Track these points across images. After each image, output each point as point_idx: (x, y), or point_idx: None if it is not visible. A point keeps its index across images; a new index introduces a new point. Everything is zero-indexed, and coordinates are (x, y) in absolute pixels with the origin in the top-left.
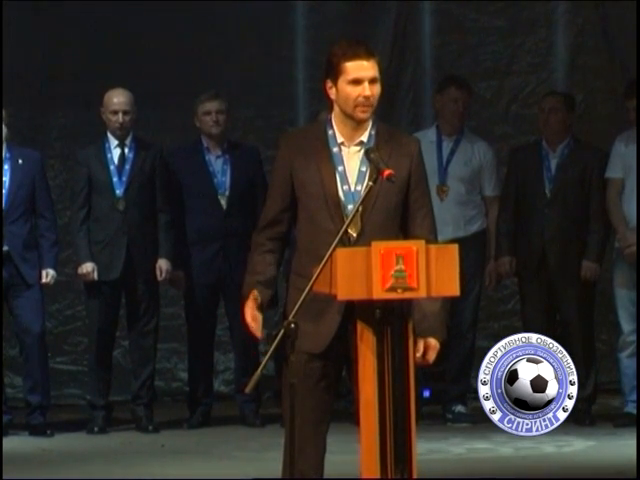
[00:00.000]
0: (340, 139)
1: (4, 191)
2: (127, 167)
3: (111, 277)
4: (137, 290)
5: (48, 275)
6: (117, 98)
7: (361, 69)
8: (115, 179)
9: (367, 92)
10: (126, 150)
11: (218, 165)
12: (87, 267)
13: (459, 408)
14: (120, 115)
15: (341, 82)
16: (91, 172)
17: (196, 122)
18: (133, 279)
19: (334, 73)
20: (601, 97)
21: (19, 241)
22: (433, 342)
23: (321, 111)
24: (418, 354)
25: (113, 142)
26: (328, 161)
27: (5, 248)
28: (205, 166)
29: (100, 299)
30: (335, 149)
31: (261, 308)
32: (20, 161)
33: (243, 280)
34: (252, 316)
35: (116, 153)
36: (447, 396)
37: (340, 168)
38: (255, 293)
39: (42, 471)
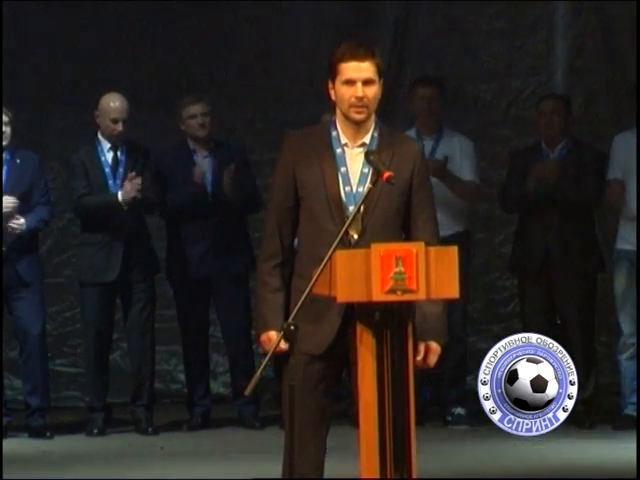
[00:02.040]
0: (344, 140)
1: (3, 190)
2: (121, 170)
3: (107, 279)
4: (133, 290)
5: (19, 220)
6: (115, 103)
7: (355, 70)
8: (110, 182)
9: (359, 93)
10: (119, 153)
11: (205, 166)
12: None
13: (459, 410)
14: (120, 124)
15: (337, 83)
16: (87, 174)
17: (181, 125)
18: (129, 280)
19: (333, 74)
20: (601, 99)
21: (17, 240)
22: (434, 345)
23: (324, 113)
24: (419, 357)
25: (106, 145)
26: (331, 162)
27: (3, 248)
28: (195, 167)
29: (96, 301)
30: (339, 150)
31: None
32: (18, 161)
33: (235, 278)
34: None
35: (109, 156)
36: (446, 398)
37: (343, 169)
38: (275, 334)
39: (42, 473)
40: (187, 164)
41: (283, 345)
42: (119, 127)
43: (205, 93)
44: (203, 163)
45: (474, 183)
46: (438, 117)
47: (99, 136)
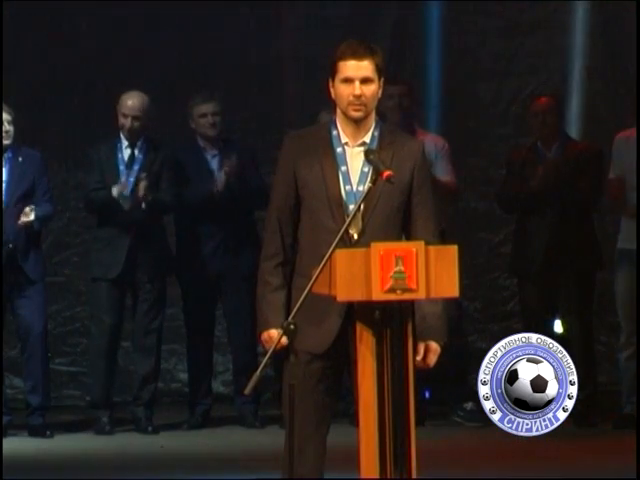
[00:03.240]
0: (344, 139)
1: (4, 187)
2: (136, 168)
3: (110, 275)
4: (140, 289)
5: (32, 210)
6: (131, 101)
7: (353, 68)
8: (123, 179)
9: (357, 91)
10: (136, 151)
11: (214, 164)
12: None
13: (470, 406)
14: (129, 120)
15: (336, 81)
16: (103, 170)
17: (191, 123)
18: (137, 279)
19: (333, 72)
20: (601, 98)
21: (21, 238)
22: (434, 345)
23: (321, 112)
24: (418, 357)
25: (124, 142)
26: (331, 160)
27: (10, 245)
28: (206, 165)
29: (103, 296)
30: (339, 149)
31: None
32: (20, 159)
33: (238, 274)
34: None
35: (127, 153)
36: (456, 395)
37: (343, 168)
38: (276, 333)
39: (42, 472)
40: (198, 162)
41: (284, 341)
42: (127, 123)
43: (204, 92)
44: (213, 162)
45: (454, 182)
46: (409, 116)
47: (121, 134)
